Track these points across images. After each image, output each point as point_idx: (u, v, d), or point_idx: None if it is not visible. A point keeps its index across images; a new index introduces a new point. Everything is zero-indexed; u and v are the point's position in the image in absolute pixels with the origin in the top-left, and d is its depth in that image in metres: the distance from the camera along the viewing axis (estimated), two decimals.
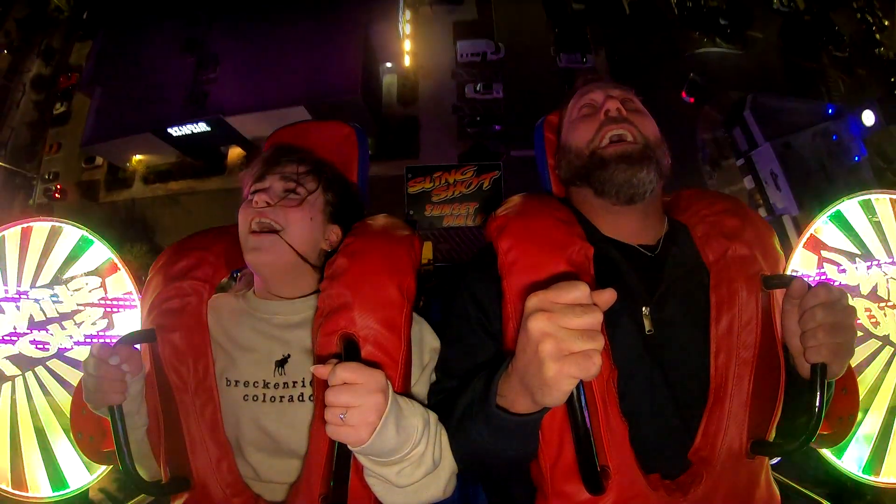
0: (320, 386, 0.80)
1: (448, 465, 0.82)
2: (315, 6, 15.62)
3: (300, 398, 0.92)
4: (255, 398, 0.93)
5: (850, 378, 0.95)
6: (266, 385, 0.93)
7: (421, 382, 0.92)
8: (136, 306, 1.21)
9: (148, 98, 15.47)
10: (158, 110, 15.31)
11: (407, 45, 16.93)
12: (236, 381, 0.94)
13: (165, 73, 16.00)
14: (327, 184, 1.01)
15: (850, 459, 1.09)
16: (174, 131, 15.45)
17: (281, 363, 0.94)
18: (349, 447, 0.70)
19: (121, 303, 1.21)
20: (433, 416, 0.81)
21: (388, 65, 16.94)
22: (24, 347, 1.14)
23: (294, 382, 0.93)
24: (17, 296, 1.14)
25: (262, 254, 0.93)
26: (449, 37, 17.54)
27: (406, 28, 16.97)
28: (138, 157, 16.76)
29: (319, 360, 0.84)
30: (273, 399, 0.92)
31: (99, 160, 17.17)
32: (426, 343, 0.95)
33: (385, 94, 16.98)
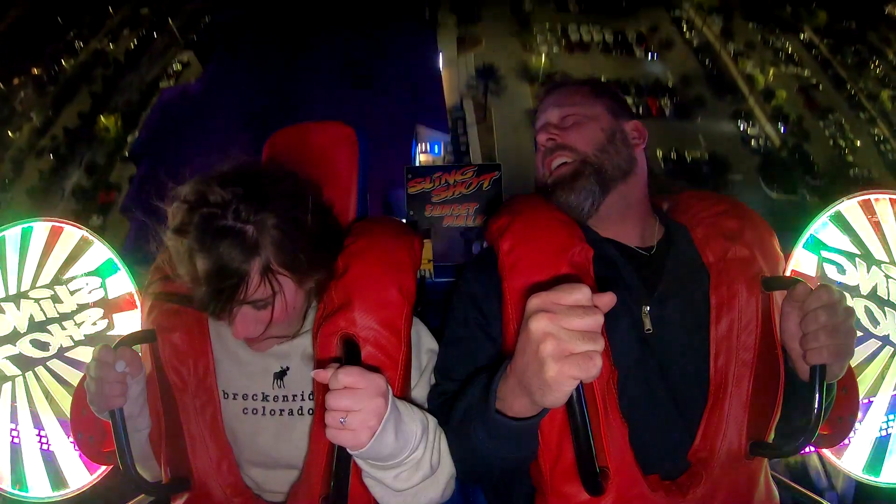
0: (320, 389, 0.80)
1: (447, 469, 0.82)
2: None
3: (300, 412, 0.91)
4: (255, 411, 0.92)
5: (849, 378, 0.95)
6: (265, 398, 0.92)
7: (420, 385, 0.92)
8: (136, 306, 1.21)
9: None
10: None
11: None
12: (234, 394, 0.93)
13: None
14: (291, 268, 0.83)
15: (851, 459, 1.09)
16: None
17: (280, 375, 0.93)
18: (348, 450, 0.71)
19: (121, 303, 1.21)
20: (432, 422, 0.81)
21: None
22: (25, 347, 1.14)
23: (294, 396, 0.92)
24: (18, 296, 1.14)
25: (259, 345, 0.92)
26: None
27: None
28: None
29: (320, 362, 0.84)
30: (273, 412, 0.92)
31: None
32: (423, 345, 0.95)
33: None
